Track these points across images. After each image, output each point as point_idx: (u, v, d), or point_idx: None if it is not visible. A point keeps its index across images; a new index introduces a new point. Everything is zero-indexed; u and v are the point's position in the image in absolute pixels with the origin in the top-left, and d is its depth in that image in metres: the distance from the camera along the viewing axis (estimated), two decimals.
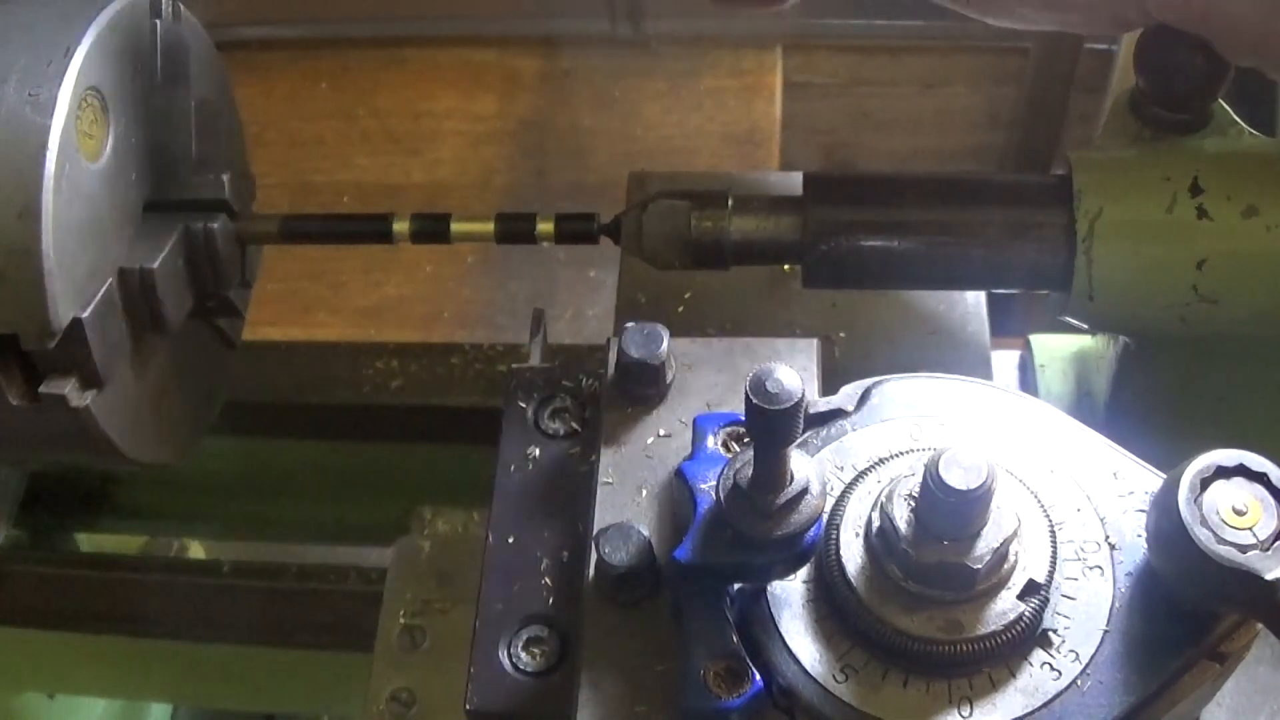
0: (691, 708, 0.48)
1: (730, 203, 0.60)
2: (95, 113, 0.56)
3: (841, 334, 0.69)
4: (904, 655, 0.47)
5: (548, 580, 0.58)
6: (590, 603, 0.53)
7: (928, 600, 0.47)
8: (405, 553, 0.74)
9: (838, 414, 0.54)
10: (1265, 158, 0.56)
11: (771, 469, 0.47)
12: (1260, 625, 0.48)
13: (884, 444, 0.53)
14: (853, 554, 0.49)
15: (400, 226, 0.62)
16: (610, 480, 0.56)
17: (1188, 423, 0.64)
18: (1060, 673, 0.47)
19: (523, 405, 0.63)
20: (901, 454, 0.52)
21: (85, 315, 0.55)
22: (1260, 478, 0.45)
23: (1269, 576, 0.44)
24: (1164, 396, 0.64)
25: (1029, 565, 0.48)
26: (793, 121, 1.82)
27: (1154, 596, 0.49)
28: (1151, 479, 0.51)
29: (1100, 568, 0.49)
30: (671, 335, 0.58)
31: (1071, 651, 0.48)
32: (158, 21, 0.61)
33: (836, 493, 0.51)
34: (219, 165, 0.63)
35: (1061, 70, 1.83)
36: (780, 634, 0.49)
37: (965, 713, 0.47)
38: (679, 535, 0.50)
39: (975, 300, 0.71)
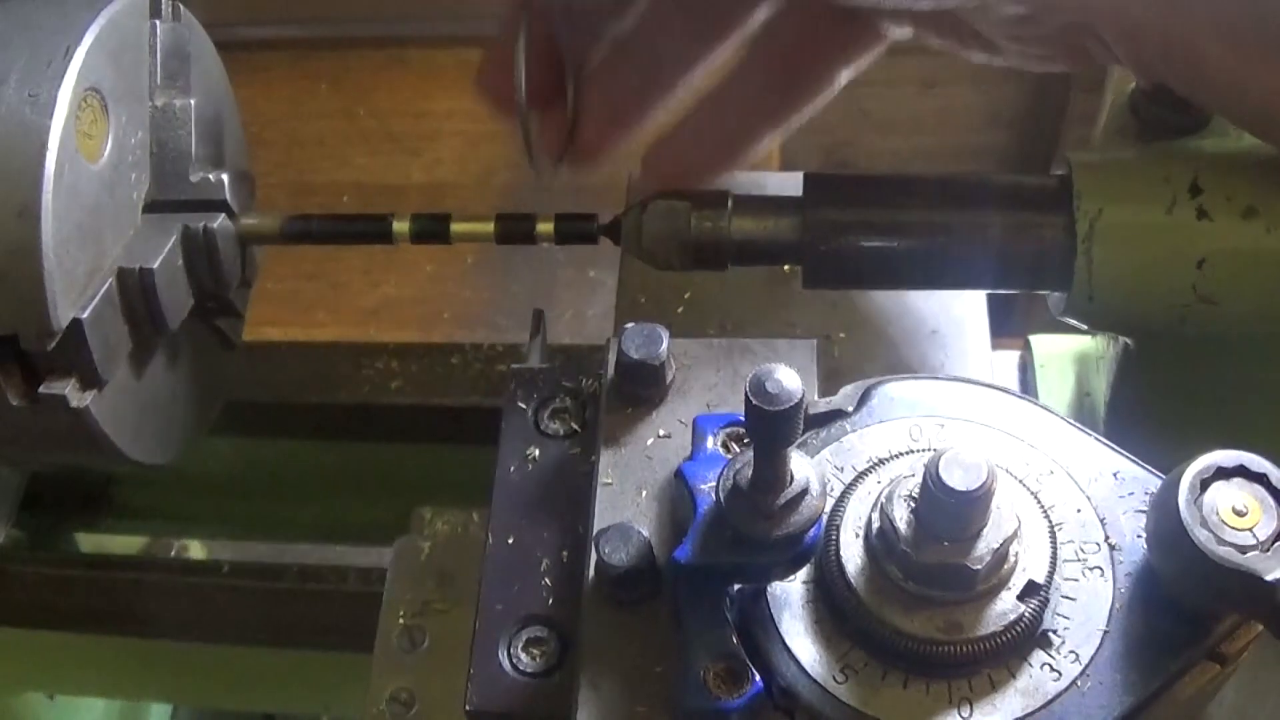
0: (691, 708, 0.48)
1: (730, 203, 0.60)
2: (95, 113, 0.56)
3: (841, 334, 0.69)
4: (904, 656, 0.47)
5: (548, 580, 0.58)
6: (590, 603, 0.53)
7: (928, 601, 0.47)
8: (405, 553, 0.74)
9: (837, 414, 0.54)
10: (1265, 158, 0.56)
11: (771, 469, 0.47)
12: (1260, 626, 0.48)
13: (884, 444, 0.53)
14: (853, 554, 0.49)
15: (400, 226, 0.62)
16: (610, 481, 0.56)
17: (1188, 423, 0.64)
18: (1060, 673, 0.47)
19: (523, 405, 0.63)
20: (901, 454, 0.52)
21: (85, 315, 0.55)
22: (1260, 478, 0.45)
23: (1269, 577, 0.44)
24: (1164, 396, 0.64)
25: (1029, 566, 0.48)
26: None
27: (1154, 597, 0.48)
28: (1151, 479, 0.51)
29: (1100, 568, 0.49)
30: (671, 335, 0.58)
31: (1071, 652, 0.48)
32: (158, 21, 0.61)
33: (836, 493, 0.51)
34: (219, 165, 0.63)
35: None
36: (780, 634, 0.49)
37: (965, 713, 0.47)
38: (679, 535, 0.50)
39: (975, 300, 0.71)
